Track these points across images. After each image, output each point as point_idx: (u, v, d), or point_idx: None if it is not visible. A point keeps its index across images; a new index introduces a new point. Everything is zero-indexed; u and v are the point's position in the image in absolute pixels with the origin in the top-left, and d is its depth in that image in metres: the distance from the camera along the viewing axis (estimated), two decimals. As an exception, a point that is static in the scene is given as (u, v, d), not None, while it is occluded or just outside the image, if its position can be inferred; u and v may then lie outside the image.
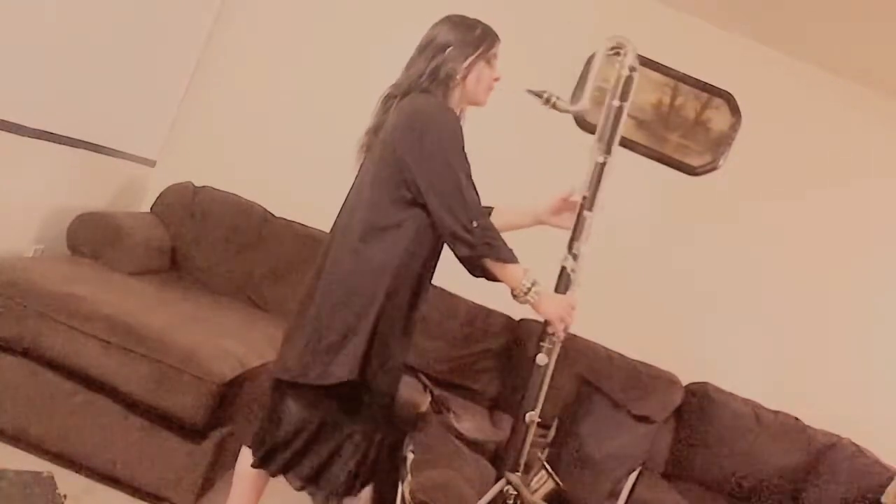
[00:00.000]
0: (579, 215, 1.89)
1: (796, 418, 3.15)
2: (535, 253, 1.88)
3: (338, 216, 1.89)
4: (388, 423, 1.90)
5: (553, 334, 1.83)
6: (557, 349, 1.86)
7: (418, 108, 1.76)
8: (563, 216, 1.98)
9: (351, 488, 1.83)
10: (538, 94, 1.87)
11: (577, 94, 2.02)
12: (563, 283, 1.85)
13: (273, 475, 1.86)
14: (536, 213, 2.05)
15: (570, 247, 1.88)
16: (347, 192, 1.91)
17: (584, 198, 1.90)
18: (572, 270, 1.85)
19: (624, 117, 1.92)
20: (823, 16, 2.91)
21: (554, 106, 1.87)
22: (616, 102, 1.92)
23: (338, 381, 1.73)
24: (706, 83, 3.39)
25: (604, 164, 1.90)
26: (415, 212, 1.76)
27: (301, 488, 1.85)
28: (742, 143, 3.39)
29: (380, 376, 1.78)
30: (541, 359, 1.85)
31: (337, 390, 1.76)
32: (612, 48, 1.93)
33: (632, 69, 1.92)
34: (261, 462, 1.83)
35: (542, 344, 1.85)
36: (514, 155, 3.29)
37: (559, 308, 1.79)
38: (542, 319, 1.84)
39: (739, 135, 3.39)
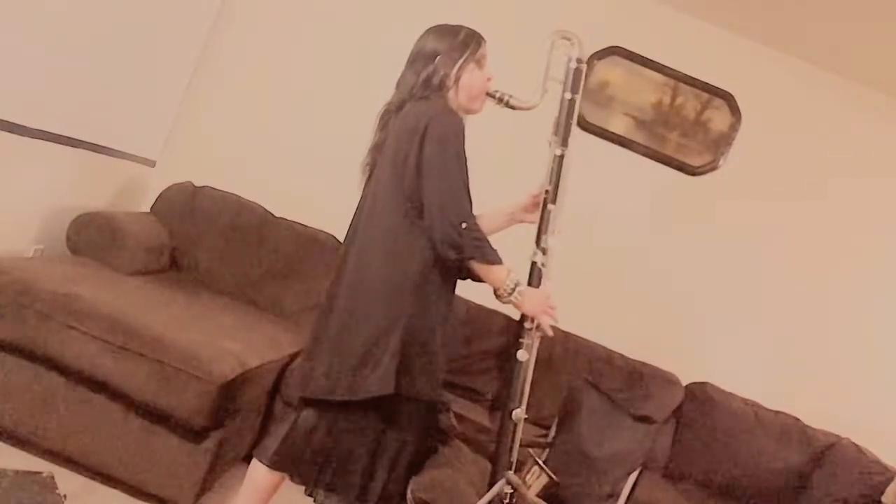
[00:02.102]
0: (544, 209, 1.93)
1: (796, 418, 3.15)
2: (505, 248, 1.87)
3: (350, 229, 1.90)
4: (432, 429, 1.92)
5: (531, 329, 1.86)
6: (537, 345, 1.89)
7: (422, 112, 1.78)
8: (537, 213, 2.01)
9: (404, 496, 1.85)
10: (491, 95, 1.92)
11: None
12: (535, 277, 1.90)
13: (320, 502, 1.87)
14: (512, 213, 2.08)
15: (537, 241, 1.91)
16: (357, 207, 1.92)
17: (547, 192, 1.93)
18: (542, 265, 1.89)
19: (577, 109, 1.98)
20: (823, 16, 2.91)
21: (507, 104, 1.91)
22: (568, 95, 1.97)
23: (368, 395, 1.73)
24: (706, 83, 3.39)
25: (562, 157, 1.95)
26: None
27: None
28: (742, 143, 3.39)
29: (424, 385, 1.79)
30: (521, 355, 1.89)
31: (383, 405, 1.77)
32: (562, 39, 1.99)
33: (580, 62, 1.98)
34: (313, 486, 1.84)
35: (521, 340, 1.88)
36: (512, 156, 3.29)
37: (541, 304, 1.83)
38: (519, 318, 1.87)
39: (739, 135, 3.39)
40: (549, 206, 1.93)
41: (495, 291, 1.81)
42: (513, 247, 1.91)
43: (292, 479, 1.86)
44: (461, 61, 1.85)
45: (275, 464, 1.83)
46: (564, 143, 1.95)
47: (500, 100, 1.91)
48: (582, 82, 1.99)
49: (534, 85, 1.95)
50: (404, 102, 1.83)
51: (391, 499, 1.85)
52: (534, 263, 1.89)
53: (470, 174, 1.78)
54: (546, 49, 1.96)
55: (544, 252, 1.90)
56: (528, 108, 1.92)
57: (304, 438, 1.82)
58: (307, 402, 1.84)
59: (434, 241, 1.74)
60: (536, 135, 2.08)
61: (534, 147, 2.21)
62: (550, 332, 1.86)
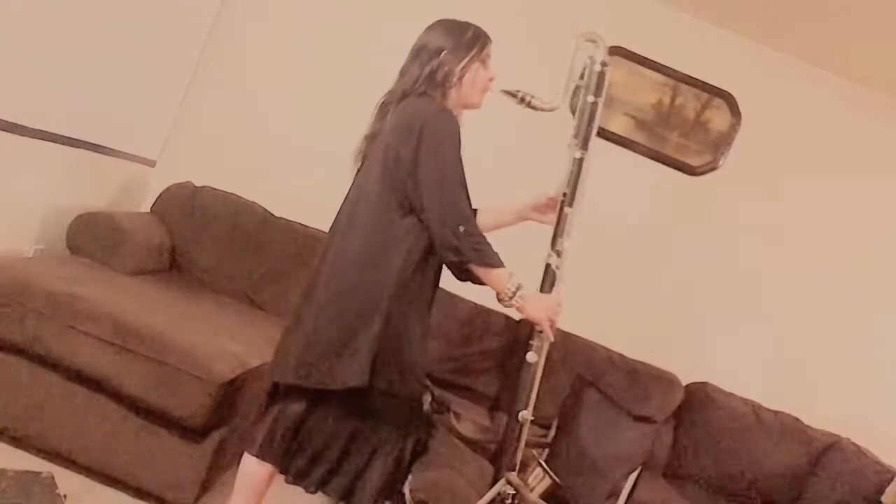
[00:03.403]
0: (560, 212, 1.91)
1: (796, 418, 3.15)
2: (518, 250, 1.88)
3: (336, 219, 1.89)
4: (417, 427, 1.91)
5: (541, 332, 1.84)
6: (546, 347, 1.87)
7: (418, 111, 1.77)
8: (549, 214, 1.99)
9: (389, 495, 1.84)
10: (513, 94, 1.90)
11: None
12: (549, 280, 1.87)
13: (310, 491, 1.87)
14: (520, 211, 2.06)
15: (553, 244, 1.89)
16: (345, 195, 1.91)
17: (565, 194, 1.92)
18: (557, 267, 1.87)
19: (599, 112, 1.95)
20: (824, 16, 2.91)
21: (529, 104, 1.90)
22: (590, 98, 1.95)
23: (344, 385, 1.73)
24: (706, 83, 3.39)
25: (581, 160, 1.93)
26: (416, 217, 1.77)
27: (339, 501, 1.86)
28: (742, 143, 3.39)
29: (399, 382, 1.78)
30: (531, 357, 1.87)
31: (359, 398, 1.77)
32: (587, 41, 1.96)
33: (604, 64, 1.95)
34: (295, 478, 1.85)
35: (531, 342, 1.87)
36: (520, 155, 3.29)
37: (544, 308, 1.81)
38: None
39: (739, 135, 3.39)
40: (566, 209, 1.90)
41: (497, 295, 1.79)
42: (525, 248, 1.91)
43: (280, 471, 1.86)
44: (466, 60, 1.84)
45: (260, 454, 1.84)
46: (585, 146, 1.92)
47: (522, 100, 1.88)
48: (606, 85, 1.95)
49: (541, 82, 1.94)
50: (406, 94, 1.82)
51: (379, 495, 1.85)
52: (548, 266, 1.87)
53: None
54: (570, 50, 1.93)
55: (559, 255, 1.87)
56: (549, 110, 1.90)
57: (287, 428, 1.83)
58: (290, 392, 1.84)
59: (434, 243, 1.74)
60: (552, 136, 2.06)
61: (548, 148, 2.19)
62: (552, 337, 1.85)
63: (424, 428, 1.94)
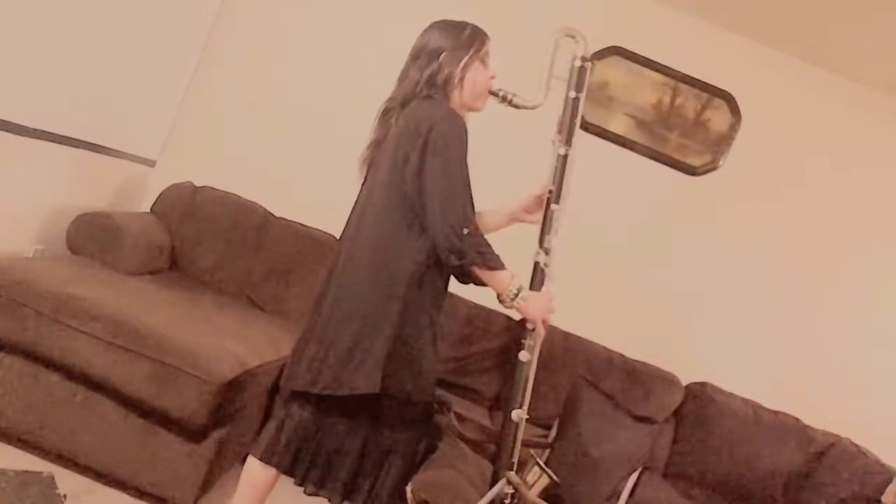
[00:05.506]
0: (547, 209, 1.91)
1: (796, 418, 3.15)
2: (506, 249, 1.87)
3: (346, 226, 1.89)
4: (429, 430, 1.91)
5: (533, 330, 1.84)
6: (539, 346, 1.88)
7: (427, 113, 1.77)
8: (538, 213, 1.99)
9: (400, 499, 1.84)
10: (495, 93, 1.90)
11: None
12: (538, 278, 1.87)
13: (309, 494, 1.87)
14: (511, 213, 2.06)
15: (541, 242, 1.89)
16: (354, 203, 1.91)
17: (551, 191, 1.91)
18: (545, 265, 1.87)
19: (581, 108, 1.95)
20: (823, 16, 2.91)
21: (510, 103, 1.90)
22: (572, 94, 1.95)
23: (352, 392, 1.73)
24: (706, 83, 3.39)
25: (566, 156, 1.93)
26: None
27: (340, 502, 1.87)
28: (742, 143, 3.39)
29: (412, 388, 1.78)
30: (523, 356, 1.87)
31: (373, 404, 1.77)
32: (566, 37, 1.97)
33: (584, 60, 1.96)
34: (316, 489, 1.85)
35: (523, 341, 1.87)
36: (514, 156, 3.29)
37: (543, 307, 1.81)
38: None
39: (739, 135, 3.39)
40: (553, 206, 1.90)
41: (498, 296, 1.79)
42: (515, 247, 1.91)
43: (297, 482, 1.86)
44: (466, 59, 1.84)
45: (265, 458, 1.83)
46: (568, 142, 1.92)
47: (504, 98, 1.89)
48: (587, 81, 1.96)
49: (536, 83, 1.94)
50: (408, 99, 1.81)
51: (379, 499, 1.85)
52: (536, 264, 1.88)
53: (473, 173, 1.77)
54: (550, 47, 1.94)
55: (547, 252, 1.88)
56: (531, 108, 1.90)
57: (293, 433, 1.82)
58: (297, 397, 1.84)
59: (436, 246, 1.73)
60: (541, 134, 2.06)
61: (538, 146, 2.20)
62: (543, 333, 1.86)
63: (435, 432, 1.94)
